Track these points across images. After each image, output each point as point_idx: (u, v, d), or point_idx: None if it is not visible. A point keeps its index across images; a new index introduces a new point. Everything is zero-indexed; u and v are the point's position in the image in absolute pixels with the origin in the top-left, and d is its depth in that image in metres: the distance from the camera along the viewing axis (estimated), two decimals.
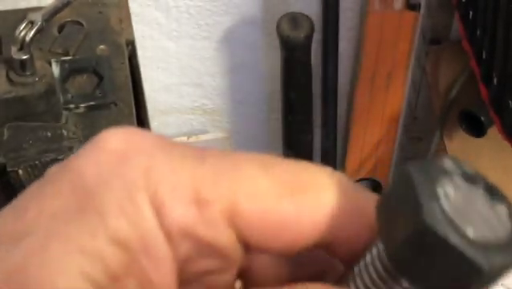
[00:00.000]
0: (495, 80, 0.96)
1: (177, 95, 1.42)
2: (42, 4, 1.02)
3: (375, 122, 1.42)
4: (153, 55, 1.34)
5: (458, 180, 0.27)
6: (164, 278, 0.29)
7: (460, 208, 0.27)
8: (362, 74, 1.36)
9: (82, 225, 0.28)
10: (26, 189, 0.30)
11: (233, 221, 0.28)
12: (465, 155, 1.17)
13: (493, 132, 1.03)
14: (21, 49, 0.91)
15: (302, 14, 1.23)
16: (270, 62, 1.37)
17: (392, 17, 1.28)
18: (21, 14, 0.96)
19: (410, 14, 1.27)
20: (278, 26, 1.22)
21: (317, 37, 1.28)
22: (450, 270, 0.26)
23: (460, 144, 1.19)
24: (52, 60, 0.95)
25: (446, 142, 1.21)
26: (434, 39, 1.27)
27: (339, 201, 0.29)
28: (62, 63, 0.96)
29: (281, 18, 1.23)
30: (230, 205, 0.28)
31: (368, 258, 0.29)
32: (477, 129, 1.12)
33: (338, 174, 0.30)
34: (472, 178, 0.28)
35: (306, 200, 0.29)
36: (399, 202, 0.27)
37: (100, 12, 1.03)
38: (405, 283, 0.28)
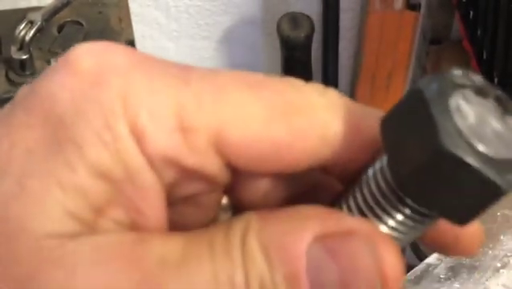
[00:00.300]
0: (496, 80, 0.96)
1: None
2: (42, 4, 1.01)
3: None
4: (153, 55, 1.34)
5: (470, 93, 0.26)
6: (151, 205, 0.27)
7: (473, 124, 0.25)
8: (362, 74, 1.36)
9: (59, 160, 0.25)
10: None
11: (220, 148, 0.26)
12: None
13: None
14: (20, 49, 0.91)
15: (303, 14, 1.23)
16: (270, 62, 1.36)
17: (392, 17, 1.27)
18: (21, 14, 0.96)
19: (410, 14, 1.27)
20: (278, 26, 1.22)
21: (317, 37, 1.28)
22: (465, 191, 0.25)
23: None
24: (52, 60, 0.95)
25: None
26: (435, 39, 1.27)
27: (333, 121, 0.27)
28: None
29: (281, 17, 1.23)
30: (217, 131, 0.26)
31: (371, 174, 0.28)
32: None
33: (331, 91, 0.28)
34: (483, 90, 0.26)
35: (297, 122, 0.27)
36: (409, 119, 0.25)
37: (100, 12, 1.03)
38: (409, 201, 0.27)
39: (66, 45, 0.98)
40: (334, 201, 0.29)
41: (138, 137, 0.26)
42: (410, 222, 0.28)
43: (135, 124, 0.26)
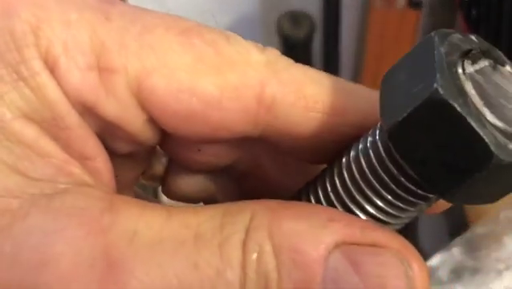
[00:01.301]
0: None
1: None
2: None
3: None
4: None
5: (484, 63, 0.25)
6: (93, 150, 0.24)
7: (482, 91, 0.24)
8: (363, 73, 1.35)
9: None
10: None
11: (142, 98, 0.24)
12: None
13: None
14: None
15: (303, 13, 1.22)
16: None
17: (394, 15, 1.27)
18: None
19: (412, 13, 1.27)
20: (278, 25, 1.22)
21: (318, 35, 1.27)
22: (456, 152, 0.23)
23: None
24: None
25: None
26: None
27: (271, 80, 0.25)
28: None
29: (281, 16, 1.22)
30: (139, 77, 0.24)
31: (352, 156, 0.25)
32: None
33: (272, 50, 0.26)
34: (497, 60, 0.25)
35: (230, 77, 0.24)
36: (413, 68, 0.24)
37: None
38: (407, 168, 0.24)
39: None
40: (300, 190, 0.27)
41: (52, 71, 0.23)
42: (401, 204, 0.26)
43: (47, 57, 0.23)
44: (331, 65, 1.32)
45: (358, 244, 0.23)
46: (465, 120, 0.22)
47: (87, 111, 0.24)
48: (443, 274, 0.79)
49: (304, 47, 1.23)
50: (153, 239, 0.22)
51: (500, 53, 0.26)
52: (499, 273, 0.78)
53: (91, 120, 0.24)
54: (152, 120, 0.24)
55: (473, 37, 0.26)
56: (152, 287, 0.22)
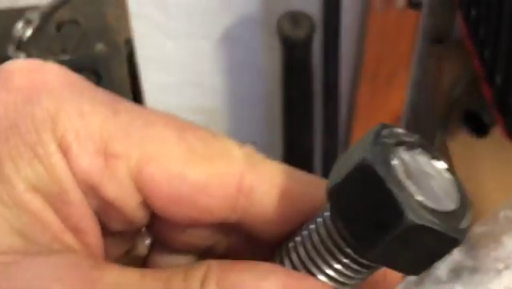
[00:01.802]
0: (498, 80, 0.96)
1: (176, 95, 1.42)
2: (40, 2, 1.01)
3: (376, 122, 1.41)
4: (152, 54, 1.34)
5: (403, 151, 0.28)
6: (88, 225, 0.28)
7: (418, 181, 0.28)
8: (363, 73, 1.36)
9: None
10: None
11: (139, 183, 0.27)
12: (467, 155, 1.17)
13: (496, 133, 1.03)
14: (18, 48, 0.90)
15: (303, 13, 1.23)
16: (270, 61, 1.36)
17: (393, 16, 1.27)
18: (18, 13, 0.96)
19: (412, 13, 1.27)
20: (278, 25, 1.22)
21: (317, 36, 1.28)
22: (422, 249, 0.27)
23: (462, 144, 1.18)
24: (50, 59, 0.95)
25: (448, 142, 1.20)
26: (436, 38, 1.26)
27: (249, 173, 0.29)
28: (60, 62, 0.95)
29: (281, 16, 1.22)
30: (138, 164, 0.27)
31: (313, 230, 0.29)
32: (479, 129, 1.12)
33: (249, 147, 0.29)
34: (410, 143, 0.29)
35: (216, 167, 0.28)
36: (362, 188, 0.27)
37: (98, 10, 1.03)
38: (359, 257, 0.29)
39: (64, 44, 0.98)
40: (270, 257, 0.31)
41: (65, 154, 0.27)
42: (352, 273, 0.29)
43: (62, 141, 0.27)
44: (330, 65, 1.32)
45: None
46: (385, 183, 0.27)
47: (91, 191, 0.27)
48: (442, 273, 0.79)
49: (304, 48, 1.23)
50: None
51: (437, 152, 0.29)
52: (498, 272, 0.79)
53: (92, 198, 0.28)
54: (146, 203, 0.28)
55: (416, 135, 0.29)
56: None
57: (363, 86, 1.37)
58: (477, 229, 0.86)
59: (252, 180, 0.29)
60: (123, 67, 0.97)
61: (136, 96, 1.01)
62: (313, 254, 0.29)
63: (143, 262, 0.32)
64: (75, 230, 0.27)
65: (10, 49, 0.91)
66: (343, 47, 1.32)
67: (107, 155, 0.27)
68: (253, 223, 0.30)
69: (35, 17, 0.92)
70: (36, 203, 0.27)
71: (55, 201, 0.27)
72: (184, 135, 0.28)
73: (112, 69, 0.96)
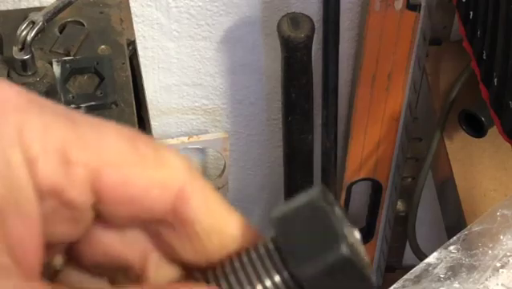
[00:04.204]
0: (496, 81, 0.96)
1: (178, 95, 1.42)
2: (44, 4, 1.02)
3: (375, 122, 1.42)
4: (154, 55, 1.34)
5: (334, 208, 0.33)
6: (31, 236, 0.29)
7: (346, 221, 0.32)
8: (362, 74, 1.36)
9: None
10: None
11: (94, 185, 0.30)
12: (465, 155, 1.17)
13: (494, 133, 1.04)
14: (22, 49, 0.91)
15: (303, 14, 1.23)
16: (270, 62, 1.37)
17: (392, 17, 1.28)
18: (22, 14, 0.96)
19: (410, 14, 1.27)
20: (278, 26, 1.22)
21: (317, 37, 1.28)
22: (319, 239, 0.31)
23: (460, 144, 1.19)
24: (53, 60, 0.95)
25: (446, 142, 1.21)
26: (434, 39, 1.27)
27: (188, 183, 0.32)
28: (63, 63, 0.96)
29: (281, 18, 1.23)
30: (94, 169, 0.30)
31: (253, 255, 0.32)
32: (477, 130, 1.12)
33: (189, 159, 0.33)
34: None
35: (163, 173, 0.31)
36: (308, 223, 0.31)
37: (101, 12, 1.03)
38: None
39: (67, 45, 0.98)
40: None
41: (30, 167, 0.29)
42: None
43: (27, 154, 0.29)
44: (330, 66, 1.32)
45: None
46: (328, 214, 0.31)
47: (51, 195, 0.30)
48: (440, 271, 0.80)
49: (304, 49, 1.23)
50: None
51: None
52: (496, 270, 0.80)
53: (51, 201, 0.30)
54: (96, 205, 0.31)
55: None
56: None
57: (362, 86, 1.38)
58: (475, 228, 0.87)
59: (190, 190, 0.32)
60: (125, 68, 0.98)
61: (138, 97, 1.01)
62: (251, 275, 0.32)
63: (53, 276, 0.34)
64: (16, 246, 0.29)
65: (14, 50, 0.91)
66: (342, 48, 1.33)
67: (68, 163, 0.29)
68: (182, 233, 0.33)
69: (39, 18, 0.92)
70: None
71: (4, 214, 0.28)
72: (135, 144, 0.31)
73: (115, 70, 0.97)
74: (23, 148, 0.29)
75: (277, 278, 0.31)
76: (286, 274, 0.31)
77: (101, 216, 0.31)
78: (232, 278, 0.32)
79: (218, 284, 0.32)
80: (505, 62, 0.93)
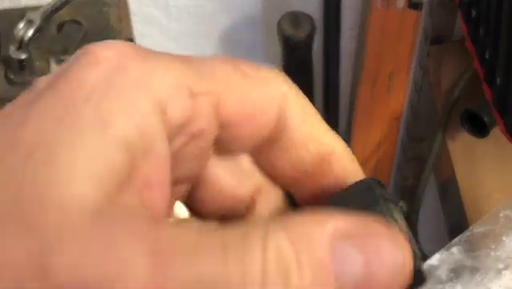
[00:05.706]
0: (498, 80, 0.96)
1: None
2: (41, 3, 1.01)
3: (376, 122, 1.42)
4: None
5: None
6: (161, 180, 0.30)
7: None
8: (364, 74, 1.36)
9: (89, 132, 0.28)
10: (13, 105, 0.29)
11: (218, 111, 0.32)
12: (467, 155, 1.17)
13: (496, 133, 1.03)
14: (19, 48, 0.90)
15: (304, 14, 1.22)
16: (271, 62, 1.36)
17: (393, 16, 1.27)
18: (19, 13, 0.96)
19: (412, 13, 1.27)
20: (278, 26, 1.22)
21: (318, 36, 1.28)
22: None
23: (462, 144, 1.19)
24: (51, 59, 0.95)
25: (448, 142, 1.20)
26: (436, 39, 1.26)
27: (286, 92, 0.34)
28: (61, 62, 0.95)
29: (282, 17, 1.22)
30: (216, 96, 0.32)
31: None
32: (479, 130, 1.12)
33: (290, 80, 0.35)
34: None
35: (268, 88, 0.34)
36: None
37: (100, 11, 1.03)
38: None
39: (65, 44, 0.98)
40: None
41: (160, 108, 0.30)
42: None
43: (157, 96, 0.30)
44: (331, 65, 1.32)
45: (360, 231, 0.30)
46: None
47: (179, 132, 0.31)
48: (442, 273, 0.79)
49: (305, 48, 1.23)
50: (190, 249, 0.28)
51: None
52: (498, 272, 0.79)
53: (178, 138, 0.31)
54: (219, 126, 0.33)
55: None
56: (190, 281, 0.27)
57: (363, 86, 1.37)
58: (477, 229, 0.86)
59: (290, 98, 0.34)
60: None
61: None
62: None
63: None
64: (144, 186, 0.29)
65: (12, 49, 0.91)
66: (343, 47, 1.32)
67: (193, 95, 0.31)
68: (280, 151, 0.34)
69: (37, 17, 0.92)
70: (122, 161, 0.28)
71: (137, 159, 0.29)
72: (241, 68, 0.33)
73: None
74: (151, 92, 0.30)
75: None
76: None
77: (219, 146, 0.33)
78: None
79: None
80: (509, 61, 0.93)
